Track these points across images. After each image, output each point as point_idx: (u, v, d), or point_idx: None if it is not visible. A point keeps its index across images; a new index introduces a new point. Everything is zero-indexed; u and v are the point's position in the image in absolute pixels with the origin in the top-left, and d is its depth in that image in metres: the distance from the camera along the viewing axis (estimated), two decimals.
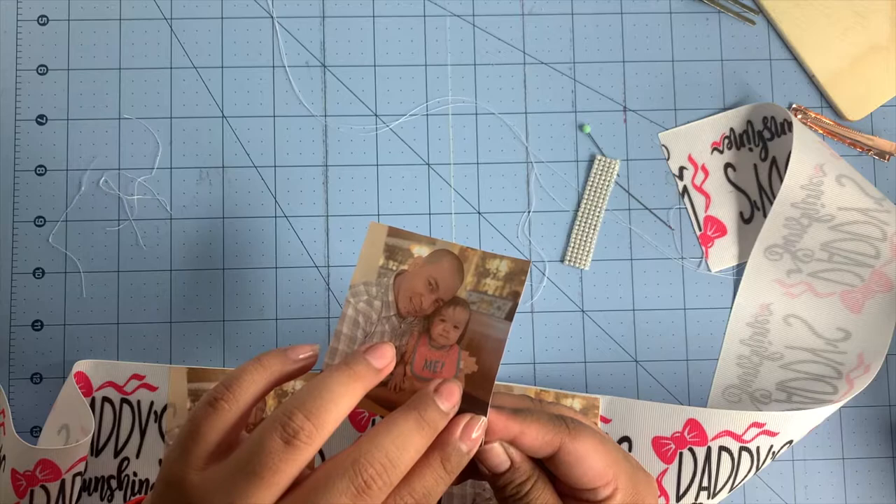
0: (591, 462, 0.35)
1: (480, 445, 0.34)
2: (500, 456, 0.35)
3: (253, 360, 0.34)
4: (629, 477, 0.37)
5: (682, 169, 0.53)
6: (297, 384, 0.48)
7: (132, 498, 0.48)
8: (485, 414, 0.34)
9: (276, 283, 0.51)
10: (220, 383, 0.33)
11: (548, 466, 0.37)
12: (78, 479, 0.46)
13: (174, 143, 0.52)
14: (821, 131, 0.53)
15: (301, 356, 0.35)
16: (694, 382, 0.51)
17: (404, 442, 0.32)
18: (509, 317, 0.35)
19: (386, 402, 0.36)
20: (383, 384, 0.36)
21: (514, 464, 0.35)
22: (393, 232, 0.37)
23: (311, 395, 0.32)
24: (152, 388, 0.49)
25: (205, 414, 0.33)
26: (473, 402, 0.34)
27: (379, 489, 0.31)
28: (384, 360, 0.34)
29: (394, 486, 0.31)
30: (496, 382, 0.49)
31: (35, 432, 0.50)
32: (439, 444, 0.33)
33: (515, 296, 0.35)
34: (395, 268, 0.37)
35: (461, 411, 0.34)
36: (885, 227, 0.49)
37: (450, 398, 0.33)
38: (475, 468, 0.37)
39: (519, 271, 0.36)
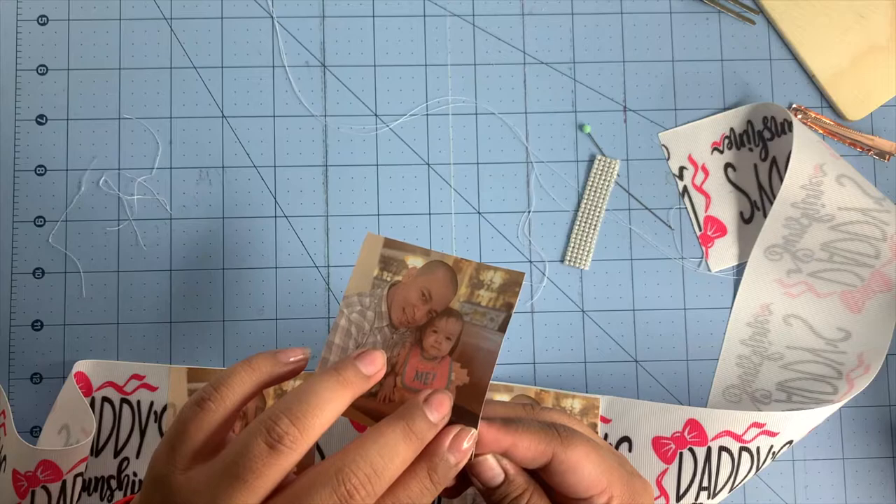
0: (584, 470, 0.35)
1: (471, 458, 0.34)
2: (493, 469, 0.35)
3: (243, 361, 0.34)
4: (625, 484, 0.36)
5: (682, 169, 0.53)
6: (297, 384, 0.48)
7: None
8: (476, 426, 0.34)
9: (276, 283, 0.51)
10: (209, 384, 0.33)
11: (541, 476, 0.36)
12: (79, 480, 0.46)
13: (174, 143, 0.52)
14: (821, 131, 0.53)
15: (292, 359, 0.35)
16: (694, 382, 0.51)
17: (390, 452, 0.31)
18: (502, 328, 0.35)
19: (375, 413, 0.35)
20: (373, 395, 0.35)
21: (508, 477, 0.35)
22: (389, 243, 0.37)
23: (297, 399, 0.31)
24: (152, 388, 0.49)
25: (192, 414, 0.33)
26: (464, 415, 0.34)
27: (362, 499, 0.30)
28: (374, 366, 0.34)
29: (378, 497, 0.31)
30: (492, 382, 0.49)
31: (35, 432, 0.50)
32: (427, 455, 0.33)
33: (509, 307, 0.35)
34: (389, 279, 0.37)
35: (452, 423, 0.33)
36: (885, 227, 0.49)
37: (439, 409, 0.33)
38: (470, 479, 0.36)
39: (513, 283, 0.35)
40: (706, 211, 0.52)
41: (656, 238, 0.52)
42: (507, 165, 0.52)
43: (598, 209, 0.52)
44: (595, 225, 0.52)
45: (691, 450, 0.46)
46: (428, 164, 0.52)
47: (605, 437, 0.48)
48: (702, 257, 0.52)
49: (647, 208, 0.52)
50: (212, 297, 0.51)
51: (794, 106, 0.53)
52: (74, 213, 0.51)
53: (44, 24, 0.52)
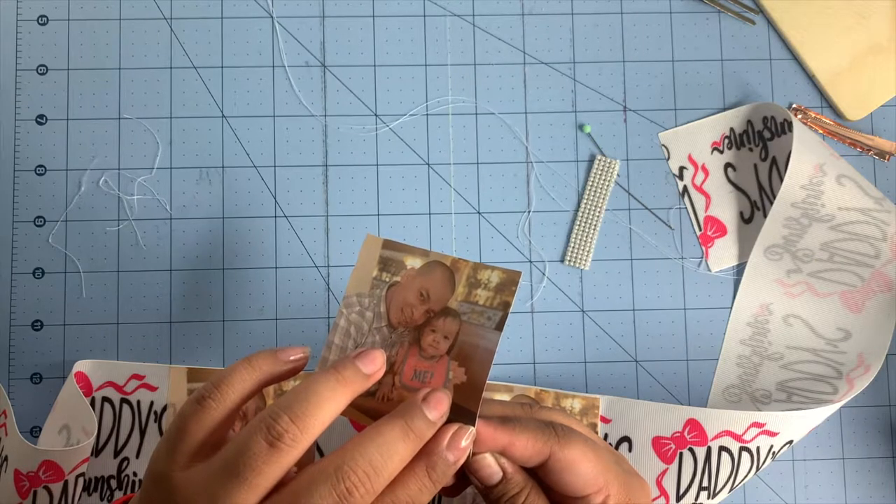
0: (581, 469, 0.35)
1: (469, 456, 0.34)
2: (491, 467, 0.35)
3: (243, 359, 0.34)
4: (622, 483, 0.36)
5: (682, 169, 0.53)
6: (297, 383, 0.48)
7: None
8: (473, 425, 0.34)
9: (276, 283, 0.51)
10: (209, 382, 0.33)
11: (538, 474, 0.36)
12: (80, 480, 0.46)
13: (174, 143, 0.52)
14: (821, 131, 0.53)
15: (292, 357, 0.35)
16: (694, 382, 0.51)
17: (389, 450, 0.31)
18: (499, 327, 0.35)
19: (373, 412, 0.35)
20: (371, 394, 0.36)
21: (506, 475, 0.35)
22: (388, 244, 0.38)
23: (297, 398, 0.32)
24: (152, 388, 0.49)
25: (192, 412, 0.33)
26: (462, 413, 0.34)
27: (361, 497, 0.30)
28: (374, 365, 0.34)
29: (377, 494, 0.31)
30: (492, 382, 0.49)
31: (35, 432, 0.50)
32: (425, 453, 0.33)
33: (506, 306, 0.35)
34: (388, 279, 0.37)
35: (450, 421, 0.34)
36: (885, 227, 0.49)
37: (438, 407, 0.33)
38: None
39: (510, 282, 0.35)
40: (706, 211, 0.52)
41: (656, 238, 0.52)
42: (507, 165, 0.52)
43: (598, 209, 0.52)
44: (595, 225, 0.52)
45: (691, 450, 0.46)
46: (428, 164, 0.52)
47: (605, 437, 0.48)
48: (702, 257, 0.52)
49: (647, 208, 0.52)
50: (212, 297, 0.51)
51: (794, 106, 0.53)
52: (74, 213, 0.51)
53: (44, 24, 0.52)
